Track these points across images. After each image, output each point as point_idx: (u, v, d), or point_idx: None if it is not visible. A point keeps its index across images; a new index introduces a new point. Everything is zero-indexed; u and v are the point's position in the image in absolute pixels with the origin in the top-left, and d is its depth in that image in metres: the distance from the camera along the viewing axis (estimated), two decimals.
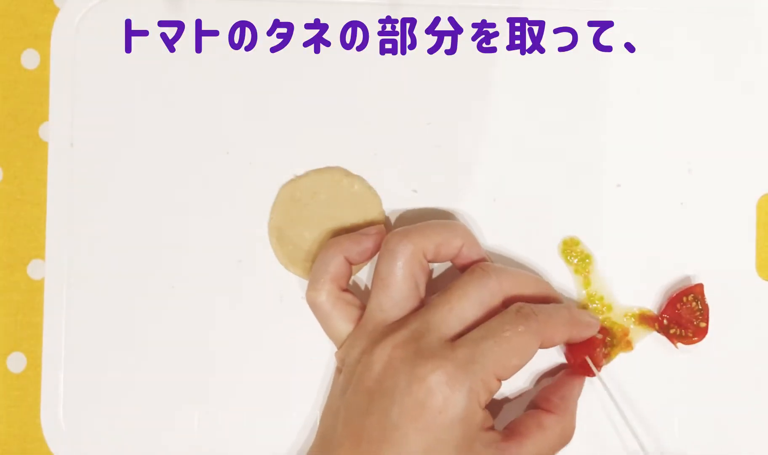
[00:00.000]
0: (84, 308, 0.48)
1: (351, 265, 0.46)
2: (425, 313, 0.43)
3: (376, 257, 0.46)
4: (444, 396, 0.41)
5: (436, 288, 0.46)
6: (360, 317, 0.45)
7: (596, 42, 0.49)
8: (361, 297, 0.47)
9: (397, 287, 0.44)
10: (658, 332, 0.48)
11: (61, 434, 0.48)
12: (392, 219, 0.49)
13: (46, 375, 0.48)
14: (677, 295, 0.48)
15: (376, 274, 0.45)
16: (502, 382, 0.43)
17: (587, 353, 0.47)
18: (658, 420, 0.48)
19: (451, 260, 0.46)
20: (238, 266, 0.49)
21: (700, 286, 0.48)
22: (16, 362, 0.49)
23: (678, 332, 0.48)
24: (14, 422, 0.49)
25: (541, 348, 0.43)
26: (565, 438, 0.45)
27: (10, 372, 0.49)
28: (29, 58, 0.50)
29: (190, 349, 0.48)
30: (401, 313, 0.44)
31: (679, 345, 0.48)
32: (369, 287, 0.49)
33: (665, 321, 0.48)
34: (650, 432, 0.48)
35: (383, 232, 0.46)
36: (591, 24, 0.49)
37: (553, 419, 0.44)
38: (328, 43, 0.49)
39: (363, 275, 0.49)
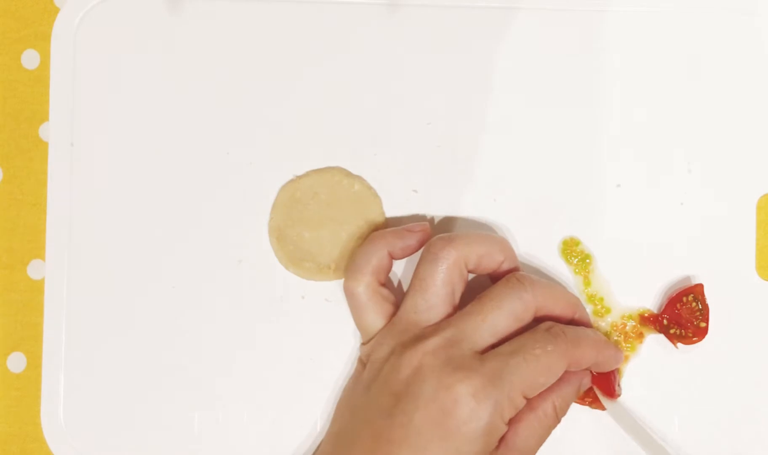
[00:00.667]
0: (84, 308, 0.48)
1: (392, 259, 0.46)
2: (458, 321, 0.43)
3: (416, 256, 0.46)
4: (470, 408, 0.41)
5: (466, 295, 0.45)
6: (392, 314, 0.45)
7: (596, 42, 0.49)
8: (395, 294, 0.47)
9: (435, 291, 0.44)
10: (658, 332, 0.48)
11: (61, 434, 0.48)
12: (392, 219, 0.49)
13: (46, 375, 0.48)
14: (677, 295, 0.48)
15: (415, 275, 0.45)
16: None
17: (600, 383, 0.47)
18: (658, 420, 0.48)
19: (489, 274, 0.46)
20: (238, 266, 0.49)
21: (700, 286, 0.48)
22: (16, 362, 0.49)
23: (678, 332, 0.48)
24: (14, 422, 0.49)
25: (568, 369, 0.43)
26: (560, 416, 0.45)
27: (10, 372, 0.49)
28: (29, 58, 0.50)
29: (190, 349, 0.48)
30: (434, 318, 0.44)
31: (679, 344, 0.48)
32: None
33: (665, 321, 0.48)
34: (650, 433, 0.48)
35: (428, 230, 0.46)
36: (590, 24, 0.49)
37: (541, 398, 0.44)
38: (328, 44, 0.49)
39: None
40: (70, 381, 0.48)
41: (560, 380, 0.44)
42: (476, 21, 0.49)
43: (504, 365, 0.42)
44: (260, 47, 0.49)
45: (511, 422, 0.43)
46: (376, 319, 0.45)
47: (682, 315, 0.48)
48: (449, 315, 0.44)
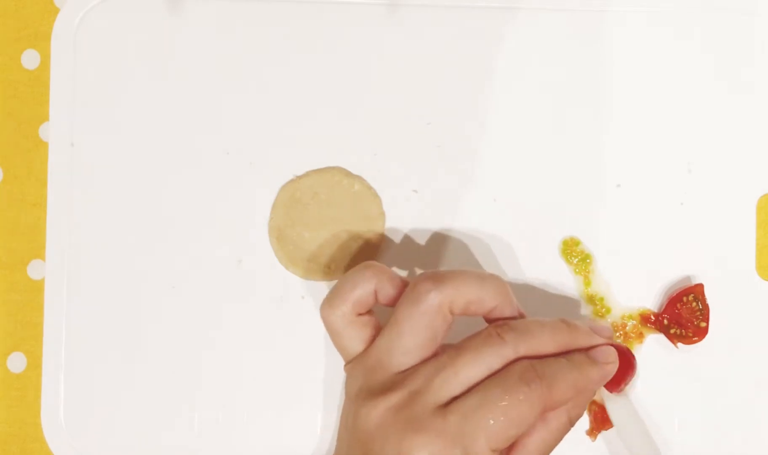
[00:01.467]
0: (84, 308, 0.48)
1: (377, 300, 0.43)
2: (428, 372, 0.40)
3: None
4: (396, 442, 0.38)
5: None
6: (373, 338, 0.42)
7: (596, 42, 0.49)
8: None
9: (412, 338, 0.40)
10: (658, 332, 0.48)
11: (61, 434, 0.48)
12: (392, 219, 0.49)
13: (46, 375, 0.48)
14: (677, 295, 0.48)
15: (394, 315, 0.41)
16: None
17: (618, 383, 0.44)
18: (658, 420, 0.48)
19: (483, 316, 0.43)
20: (238, 266, 0.49)
21: (700, 286, 0.48)
22: (16, 362, 0.49)
23: (678, 332, 0.48)
24: (14, 422, 0.49)
25: (543, 412, 0.40)
26: (574, 422, 0.42)
27: (10, 372, 0.49)
28: (29, 58, 0.50)
29: (190, 349, 0.48)
30: (408, 363, 0.41)
31: (679, 344, 0.48)
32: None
33: (665, 321, 0.48)
34: (650, 432, 0.48)
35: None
36: (591, 24, 0.49)
37: (560, 410, 0.41)
38: (328, 44, 0.49)
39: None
40: (70, 381, 0.48)
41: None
42: (476, 21, 0.49)
43: (467, 422, 0.38)
44: (260, 47, 0.49)
45: (521, 436, 0.40)
46: (354, 344, 0.42)
47: (683, 315, 0.48)
48: (426, 359, 0.41)
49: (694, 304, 0.48)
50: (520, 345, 0.40)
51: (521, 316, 0.43)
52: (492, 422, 0.38)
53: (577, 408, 0.42)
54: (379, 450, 0.39)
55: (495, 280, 0.42)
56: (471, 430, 0.38)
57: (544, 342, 0.41)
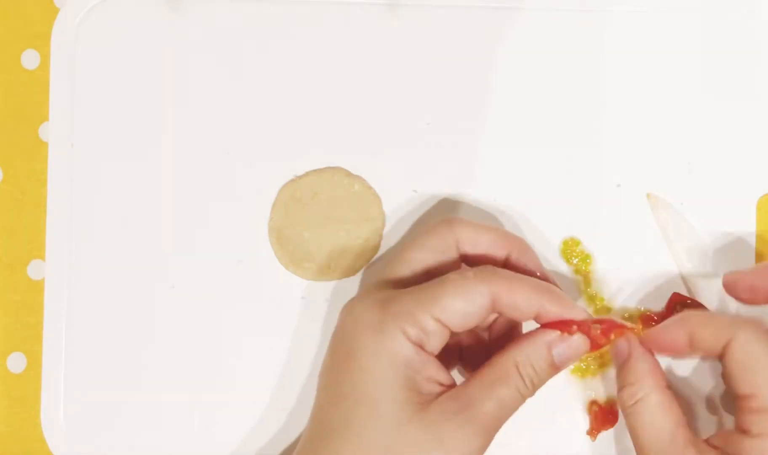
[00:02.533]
0: (84, 308, 0.48)
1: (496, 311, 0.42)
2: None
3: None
4: (361, 312, 0.41)
5: None
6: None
7: (596, 42, 0.49)
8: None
9: (413, 250, 0.43)
10: None
11: (61, 434, 0.48)
12: (392, 219, 0.49)
13: (46, 375, 0.48)
14: (677, 295, 0.48)
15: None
16: None
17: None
18: None
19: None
20: (238, 266, 0.49)
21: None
22: (16, 362, 0.49)
23: None
24: (14, 422, 0.49)
25: (500, 310, 0.41)
26: (528, 383, 0.41)
27: (10, 372, 0.49)
28: (29, 58, 0.50)
29: (189, 349, 0.48)
30: (405, 272, 0.43)
31: None
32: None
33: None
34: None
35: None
36: (591, 24, 0.49)
37: (500, 355, 0.41)
38: (327, 44, 0.49)
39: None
40: (70, 381, 0.48)
41: (524, 338, 0.42)
42: (476, 21, 0.49)
43: (412, 289, 0.41)
44: (260, 47, 0.49)
45: (468, 379, 0.41)
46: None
47: None
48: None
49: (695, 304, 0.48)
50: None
51: (541, 271, 0.44)
52: (434, 287, 0.40)
53: (527, 362, 0.41)
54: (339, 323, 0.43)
55: (505, 232, 0.45)
56: (413, 291, 0.41)
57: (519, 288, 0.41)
